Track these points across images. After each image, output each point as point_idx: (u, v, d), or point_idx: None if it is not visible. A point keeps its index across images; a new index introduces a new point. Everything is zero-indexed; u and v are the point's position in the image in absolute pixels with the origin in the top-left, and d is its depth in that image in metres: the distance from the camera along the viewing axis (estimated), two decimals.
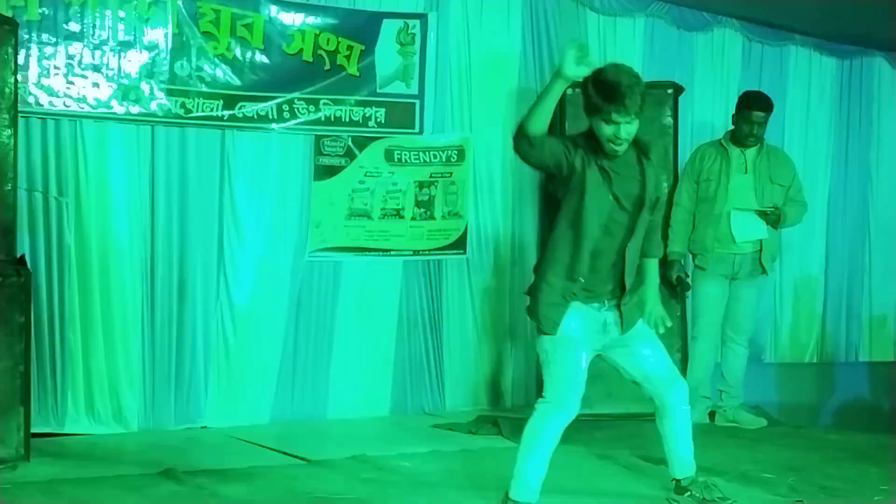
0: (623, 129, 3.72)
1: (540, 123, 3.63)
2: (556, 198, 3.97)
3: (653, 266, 4.18)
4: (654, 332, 4.09)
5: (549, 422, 3.89)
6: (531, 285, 3.96)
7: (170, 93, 5.54)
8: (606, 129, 3.72)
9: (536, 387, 6.48)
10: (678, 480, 4.23)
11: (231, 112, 5.70)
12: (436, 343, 6.40)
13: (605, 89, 3.70)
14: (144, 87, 5.49)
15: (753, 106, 5.86)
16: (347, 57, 5.97)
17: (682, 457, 4.21)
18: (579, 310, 3.87)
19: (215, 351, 5.80)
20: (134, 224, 5.55)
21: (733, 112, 6.00)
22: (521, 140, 3.66)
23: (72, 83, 5.33)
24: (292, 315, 5.98)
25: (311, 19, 5.88)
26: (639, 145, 3.90)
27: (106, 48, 5.40)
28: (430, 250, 6.32)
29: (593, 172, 3.78)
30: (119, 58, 5.43)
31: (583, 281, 3.84)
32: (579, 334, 3.87)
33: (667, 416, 4.16)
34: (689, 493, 4.19)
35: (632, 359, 4.04)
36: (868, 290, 7.84)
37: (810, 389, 7.26)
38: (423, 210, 6.26)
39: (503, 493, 3.91)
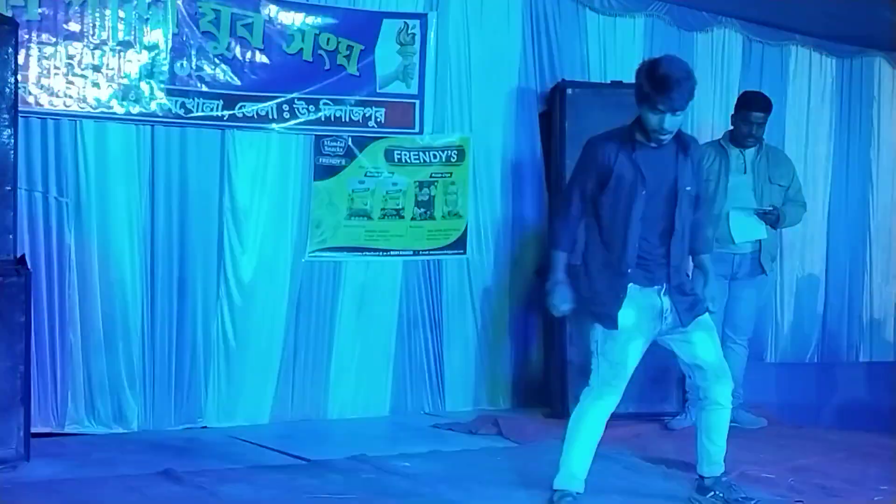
0: (668, 120, 3.89)
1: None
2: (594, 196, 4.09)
3: (707, 259, 4.35)
4: (712, 324, 4.19)
5: (592, 411, 4.05)
6: (580, 283, 4.06)
7: (170, 93, 5.54)
8: (653, 119, 3.90)
9: (537, 386, 6.51)
10: (702, 478, 4.26)
11: (231, 112, 5.69)
12: (436, 343, 6.39)
13: (655, 80, 3.87)
14: (144, 87, 5.48)
15: (752, 106, 5.85)
16: (347, 57, 5.97)
17: (713, 454, 4.24)
18: (636, 298, 4.00)
19: (215, 351, 5.80)
20: (134, 224, 5.55)
21: (732, 112, 5.99)
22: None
23: (72, 83, 5.32)
24: (292, 315, 5.98)
25: (311, 19, 5.88)
26: (680, 140, 4.06)
27: (106, 48, 5.39)
28: (430, 250, 6.32)
29: (626, 167, 3.96)
30: (119, 58, 5.43)
31: (630, 272, 3.98)
32: (632, 325, 3.99)
33: (706, 410, 4.21)
34: (712, 493, 4.22)
35: (687, 346, 4.12)
36: (868, 290, 7.84)
37: (810, 389, 7.25)
38: (423, 210, 6.25)
39: (508, 491, 3.93)
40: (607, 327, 3.99)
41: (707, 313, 4.17)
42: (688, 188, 4.05)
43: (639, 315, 4.00)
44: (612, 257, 4.01)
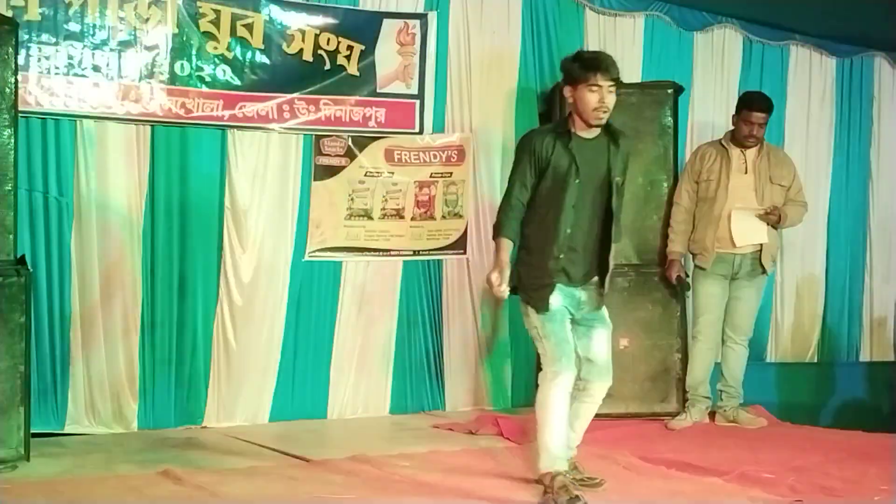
0: (606, 96, 4.11)
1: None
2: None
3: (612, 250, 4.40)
4: (610, 322, 4.38)
5: (553, 390, 4.16)
6: (517, 269, 4.27)
7: (170, 93, 5.54)
8: (592, 97, 4.12)
9: (537, 386, 6.50)
10: None
11: (231, 112, 5.70)
12: (436, 343, 6.40)
13: (586, 60, 4.19)
14: (144, 87, 5.49)
15: (753, 106, 5.85)
16: (347, 57, 5.97)
17: (571, 441, 4.40)
18: (560, 289, 4.22)
19: (215, 351, 5.80)
20: (134, 224, 5.56)
21: (733, 112, 5.99)
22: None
23: (72, 83, 5.33)
24: (292, 315, 5.98)
25: (311, 19, 5.88)
26: (610, 132, 4.26)
27: (106, 48, 5.40)
28: (430, 250, 6.32)
29: (562, 156, 4.16)
30: (119, 58, 5.43)
31: (562, 258, 4.19)
32: (561, 305, 4.22)
33: (581, 401, 4.37)
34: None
35: (586, 339, 4.32)
36: (868, 290, 7.84)
37: (810, 389, 7.25)
38: (423, 210, 6.26)
39: (508, 491, 3.94)
40: (540, 311, 4.18)
41: (606, 310, 4.36)
42: (618, 178, 4.25)
43: (563, 298, 4.22)
44: (546, 244, 4.19)
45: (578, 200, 4.17)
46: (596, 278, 4.29)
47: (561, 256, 4.19)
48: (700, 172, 5.93)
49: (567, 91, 4.20)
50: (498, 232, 4.25)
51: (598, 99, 4.10)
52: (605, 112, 4.14)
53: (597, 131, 4.23)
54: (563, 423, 4.18)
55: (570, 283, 4.24)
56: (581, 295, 4.27)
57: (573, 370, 4.21)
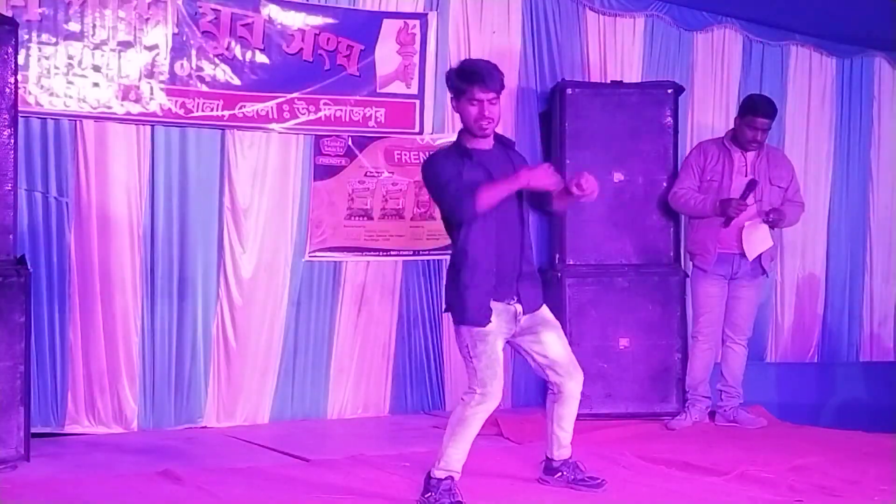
0: (487, 108, 4.03)
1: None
2: None
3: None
4: (557, 322, 4.33)
5: (476, 412, 4.11)
6: (452, 287, 4.13)
7: (170, 93, 5.54)
8: (473, 110, 4.05)
9: (537, 386, 6.50)
10: (551, 460, 4.45)
11: (231, 112, 5.70)
12: (435, 343, 6.39)
13: (465, 73, 4.09)
14: (144, 87, 5.49)
15: (758, 112, 5.78)
16: (347, 57, 5.97)
17: (563, 440, 4.43)
18: (495, 307, 4.10)
19: (215, 351, 5.80)
20: (134, 224, 5.56)
21: (736, 115, 5.96)
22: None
23: (72, 83, 5.33)
24: (292, 315, 5.98)
25: (311, 19, 5.88)
26: (504, 142, 4.25)
27: (106, 48, 5.40)
28: (429, 250, 6.32)
29: (475, 170, 4.07)
30: (119, 58, 5.43)
31: (495, 271, 4.08)
32: (496, 325, 4.10)
33: (562, 403, 4.36)
34: (560, 473, 4.42)
35: (539, 345, 4.27)
36: (868, 290, 7.84)
37: (810, 389, 7.25)
38: (422, 210, 6.25)
39: (508, 491, 3.94)
40: (482, 323, 4.05)
41: (549, 312, 4.29)
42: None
43: (498, 317, 4.11)
44: (481, 260, 4.06)
45: (502, 213, 4.07)
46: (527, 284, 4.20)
47: (495, 269, 4.08)
48: (704, 170, 5.90)
49: (452, 104, 4.16)
50: (475, 201, 3.95)
51: (478, 111, 4.04)
52: (488, 122, 4.05)
53: (490, 143, 4.15)
54: (469, 443, 4.15)
55: (502, 299, 4.10)
56: (517, 308, 4.15)
57: (499, 397, 4.14)
